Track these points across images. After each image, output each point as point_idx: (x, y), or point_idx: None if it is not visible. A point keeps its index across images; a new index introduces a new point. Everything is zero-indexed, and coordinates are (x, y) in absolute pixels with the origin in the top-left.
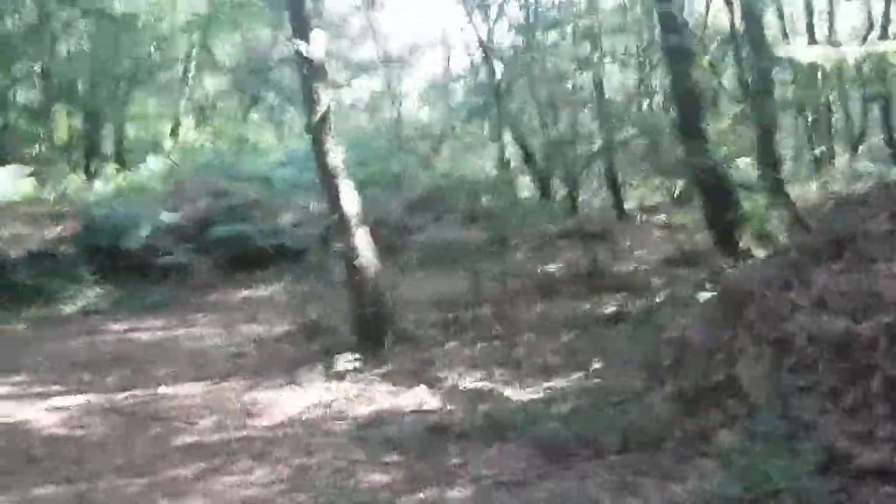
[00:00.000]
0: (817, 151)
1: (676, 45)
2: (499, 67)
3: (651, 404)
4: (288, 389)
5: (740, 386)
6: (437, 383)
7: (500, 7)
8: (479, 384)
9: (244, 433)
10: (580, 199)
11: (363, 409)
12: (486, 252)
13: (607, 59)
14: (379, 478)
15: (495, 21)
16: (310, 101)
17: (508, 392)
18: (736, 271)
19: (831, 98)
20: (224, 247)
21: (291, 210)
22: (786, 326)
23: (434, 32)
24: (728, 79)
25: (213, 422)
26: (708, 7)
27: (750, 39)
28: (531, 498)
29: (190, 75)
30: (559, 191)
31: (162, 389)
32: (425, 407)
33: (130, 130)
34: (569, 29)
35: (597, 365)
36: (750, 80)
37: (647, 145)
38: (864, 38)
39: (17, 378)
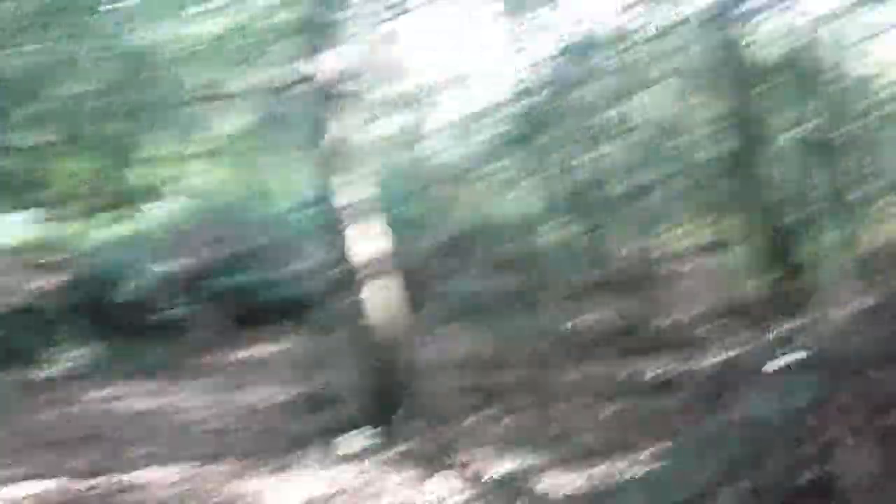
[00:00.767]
0: None
1: (736, 71)
2: (530, 102)
3: None
4: (282, 477)
5: (839, 489)
6: (461, 470)
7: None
8: (511, 471)
9: None
10: (614, 243)
11: None
12: (517, 305)
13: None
14: None
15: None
16: (319, 130)
17: (546, 483)
18: (832, 333)
19: None
20: (226, 300)
21: (301, 258)
22: None
23: (461, 67)
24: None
25: None
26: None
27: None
28: None
29: (201, 115)
30: (591, 234)
31: (135, 475)
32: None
33: (139, 173)
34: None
35: (648, 449)
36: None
37: (692, 182)
38: None
39: None
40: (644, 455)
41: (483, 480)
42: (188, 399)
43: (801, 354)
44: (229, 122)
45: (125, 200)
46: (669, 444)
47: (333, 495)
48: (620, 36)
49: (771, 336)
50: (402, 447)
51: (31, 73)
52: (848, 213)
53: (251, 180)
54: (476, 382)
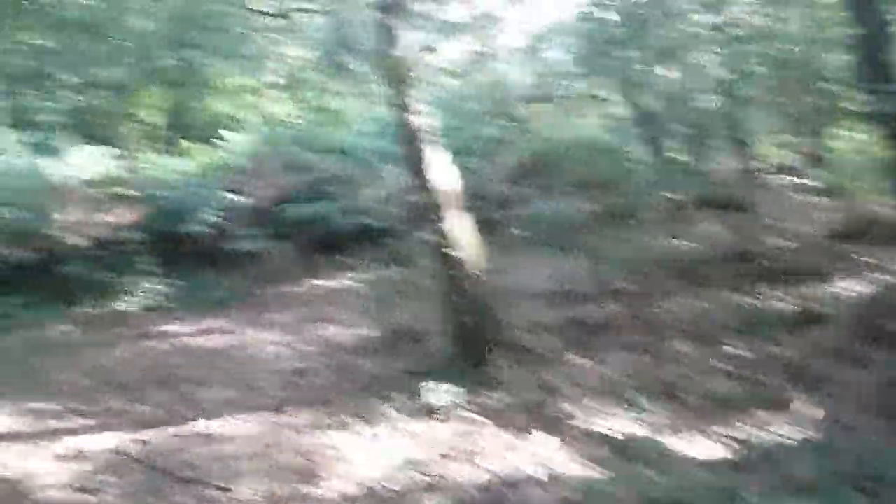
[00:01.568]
0: None
1: None
2: (609, 15)
3: None
4: (363, 431)
5: None
6: (563, 426)
7: None
8: (625, 428)
9: None
10: (702, 161)
11: (466, 473)
12: (603, 228)
13: None
14: None
15: None
16: (386, 46)
17: (672, 445)
18: None
19: None
20: (301, 229)
21: (377, 185)
22: None
23: None
24: None
25: (254, 490)
26: None
27: None
28: None
29: (274, 46)
30: (677, 152)
31: (202, 425)
32: (553, 470)
33: (214, 105)
34: None
35: (798, 400)
36: None
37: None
38: None
39: (37, 405)
40: (792, 407)
41: (591, 437)
42: (264, 335)
43: None
44: (301, 51)
45: (202, 131)
46: (821, 392)
47: (422, 460)
48: None
49: None
50: (493, 396)
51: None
52: None
53: (324, 108)
54: (571, 316)
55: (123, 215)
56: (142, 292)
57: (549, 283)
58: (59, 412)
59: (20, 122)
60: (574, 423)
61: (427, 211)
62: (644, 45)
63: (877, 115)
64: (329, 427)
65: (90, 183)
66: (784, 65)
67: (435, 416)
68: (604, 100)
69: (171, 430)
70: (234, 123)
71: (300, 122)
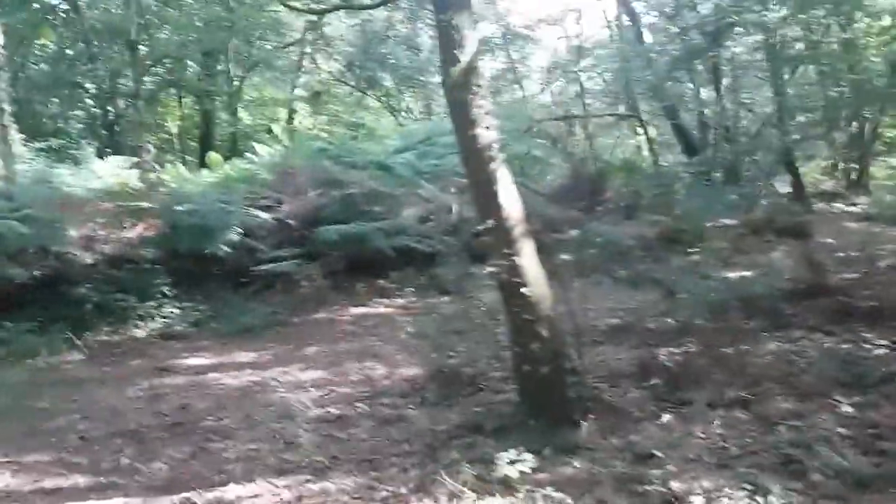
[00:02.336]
0: None
1: None
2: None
3: None
4: None
5: None
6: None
7: None
8: None
9: None
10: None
11: None
12: (661, 255)
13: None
14: None
15: None
16: (448, 44)
17: None
18: None
19: None
20: (337, 249)
21: (415, 203)
22: None
23: (559, 3)
24: None
25: None
26: None
27: None
28: None
29: (305, 59)
30: (721, 175)
31: (230, 491)
32: None
33: (244, 117)
34: None
35: None
36: None
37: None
38: None
39: (36, 456)
40: None
41: None
42: (298, 372)
43: None
44: (329, 65)
45: (231, 144)
46: None
47: None
48: None
49: None
50: (578, 465)
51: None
52: None
53: (356, 123)
54: (649, 360)
55: (142, 231)
56: (160, 317)
57: (613, 318)
58: (60, 466)
59: (41, 130)
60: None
61: (495, 239)
62: (691, 68)
63: None
64: (381, 501)
65: (108, 194)
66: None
67: (511, 491)
68: (643, 122)
69: (192, 496)
70: (264, 136)
71: (331, 136)
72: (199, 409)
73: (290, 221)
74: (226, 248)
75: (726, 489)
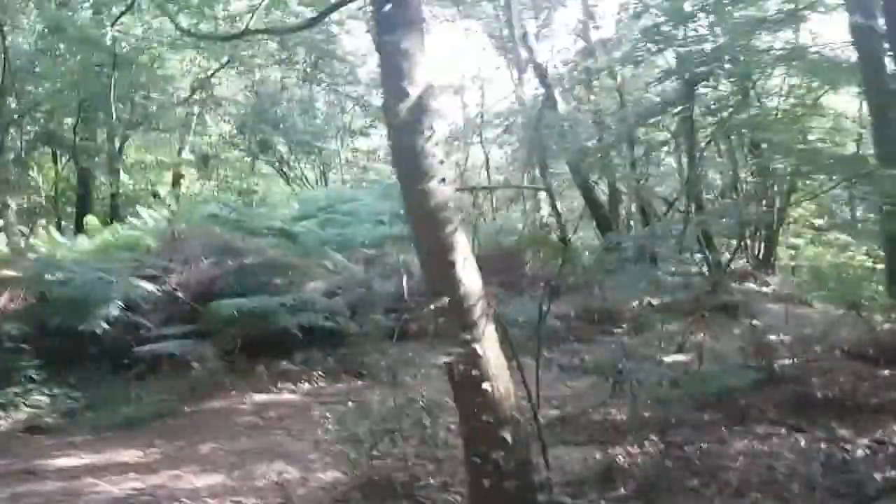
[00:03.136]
0: None
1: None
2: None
3: None
4: None
5: None
6: None
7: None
8: None
9: None
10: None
11: None
12: (593, 335)
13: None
14: None
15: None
16: (393, 74)
17: None
18: None
19: None
20: (233, 326)
21: (321, 276)
22: None
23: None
24: None
25: None
26: None
27: None
28: None
29: (193, 121)
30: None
31: None
32: None
33: (126, 180)
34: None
35: None
36: None
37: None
38: None
39: None
40: None
41: None
42: (194, 476)
43: None
44: (220, 126)
45: (110, 208)
46: None
47: None
48: None
49: None
50: None
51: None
52: None
53: (248, 190)
54: (611, 462)
55: (6, 304)
56: (26, 406)
57: (552, 409)
58: None
59: None
60: None
61: (449, 320)
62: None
63: None
64: None
65: None
66: None
67: None
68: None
69: None
70: (148, 200)
71: (224, 199)
72: None
73: (180, 294)
74: (104, 325)
75: None
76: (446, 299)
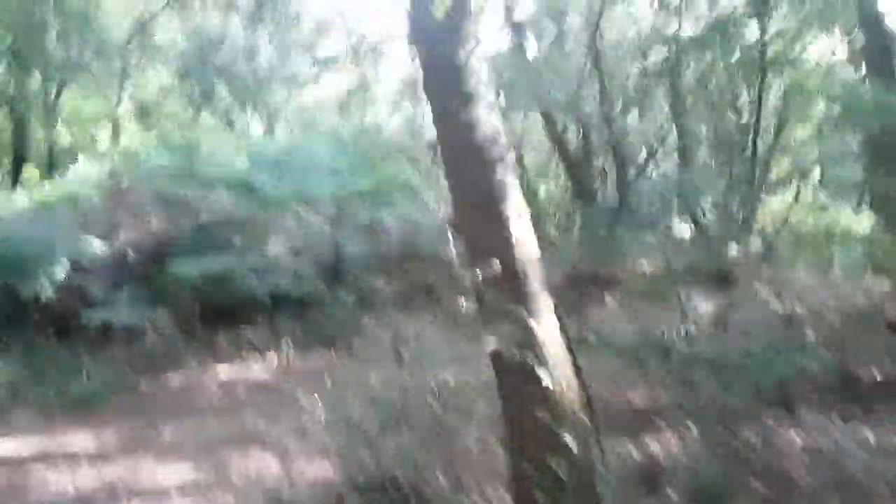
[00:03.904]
0: None
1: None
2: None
3: None
4: None
5: None
6: None
7: None
8: None
9: None
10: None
11: None
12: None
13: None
14: None
15: None
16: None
17: None
18: None
19: None
20: (194, 292)
21: (284, 233)
22: None
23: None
24: None
25: None
26: None
27: None
28: None
29: (131, 69)
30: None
31: None
32: None
33: (63, 135)
34: None
35: None
36: None
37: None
38: None
39: None
40: None
41: None
42: (153, 466)
43: None
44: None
45: (49, 161)
46: None
47: None
48: None
49: None
50: None
51: None
52: None
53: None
54: (649, 458)
55: None
56: None
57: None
58: None
59: None
60: None
61: (497, 292)
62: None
63: None
64: None
65: None
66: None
67: None
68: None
69: None
70: (86, 153)
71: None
72: None
73: (131, 254)
74: (49, 289)
75: None
76: (496, 262)
